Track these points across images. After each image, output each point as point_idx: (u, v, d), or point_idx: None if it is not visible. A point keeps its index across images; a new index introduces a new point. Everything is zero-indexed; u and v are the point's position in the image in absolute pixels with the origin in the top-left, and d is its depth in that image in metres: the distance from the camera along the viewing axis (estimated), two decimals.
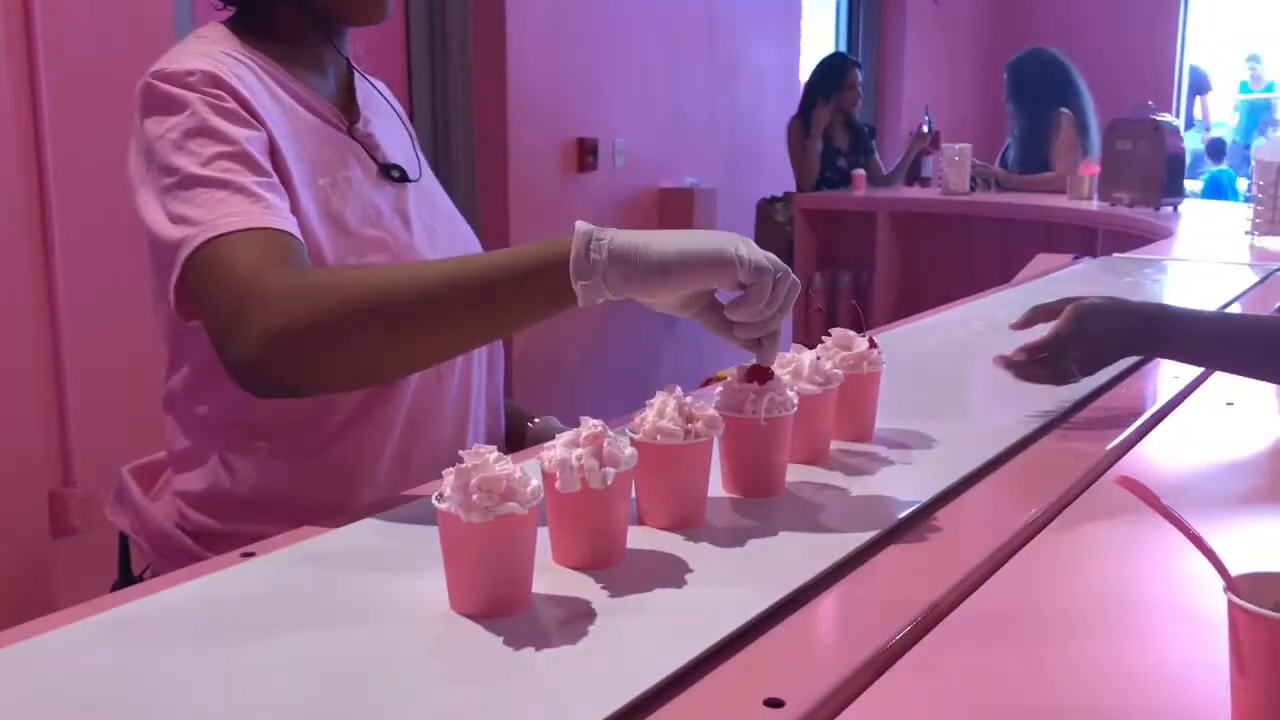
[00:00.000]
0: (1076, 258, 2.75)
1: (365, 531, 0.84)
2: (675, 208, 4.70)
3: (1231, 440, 1.13)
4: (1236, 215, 3.58)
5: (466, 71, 3.97)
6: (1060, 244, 3.88)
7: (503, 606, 0.70)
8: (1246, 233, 2.76)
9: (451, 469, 0.69)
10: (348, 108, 1.11)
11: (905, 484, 0.92)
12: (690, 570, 0.76)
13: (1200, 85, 8.34)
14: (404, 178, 1.10)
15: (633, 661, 0.63)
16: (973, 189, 4.27)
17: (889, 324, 1.67)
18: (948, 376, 1.38)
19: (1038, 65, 4.48)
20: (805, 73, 4.92)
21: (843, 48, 6.04)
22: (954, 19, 6.67)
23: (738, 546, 0.80)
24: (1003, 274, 4.35)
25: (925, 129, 4.79)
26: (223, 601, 0.73)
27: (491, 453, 0.70)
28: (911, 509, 0.86)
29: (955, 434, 1.06)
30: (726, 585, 0.74)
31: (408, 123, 1.21)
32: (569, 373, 4.43)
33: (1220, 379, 1.26)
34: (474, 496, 0.68)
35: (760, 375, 0.89)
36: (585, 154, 4.33)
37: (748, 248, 0.82)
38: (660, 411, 0.82)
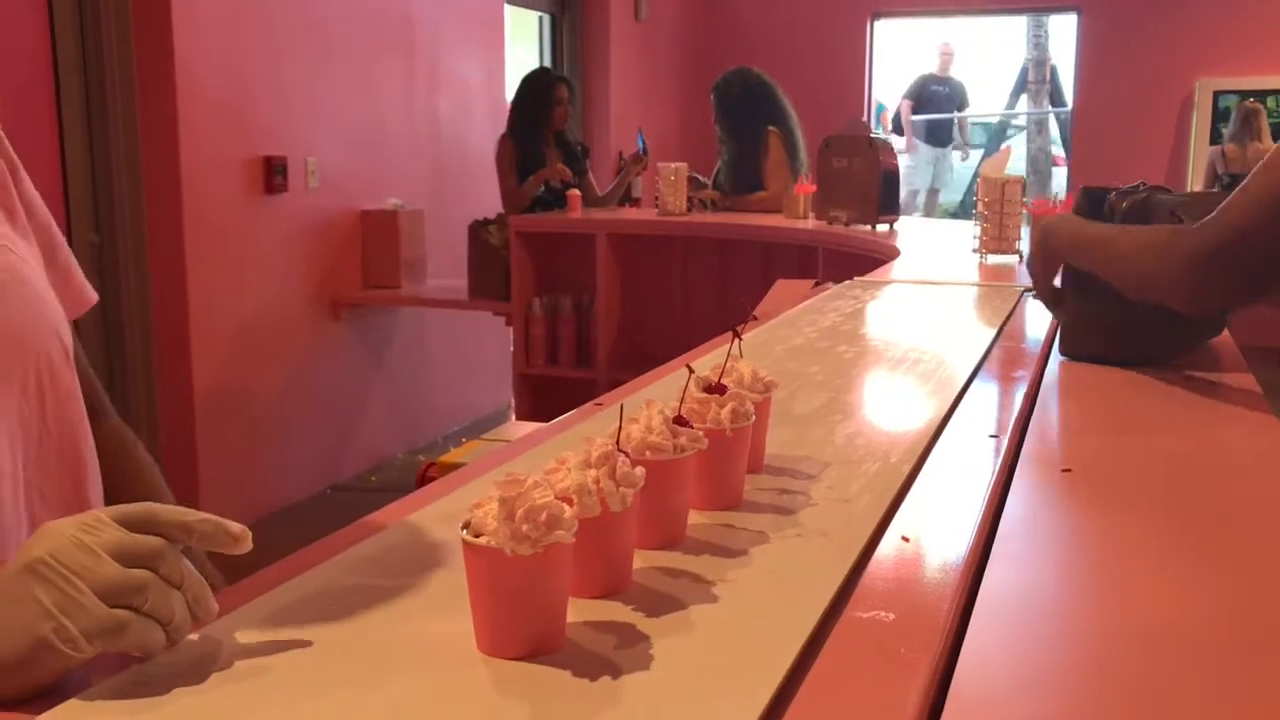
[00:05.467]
0: (818, 284, 2.77)
1: (330, 576, 0.79)
2: (379, 231, 4.62)
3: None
4: (951, 233, 3.97)
5: (127, 81, 3.72)
6: (779, 265, 4.15)
7: (546, 644, 0.68)
8: (974, 251, 3.01)
9: (491, 499, 0.67)
10: None
11: (854, 482, 0.98)
12: (712, 582, 0.77)
13: (958, 100, 9.07)
14: None
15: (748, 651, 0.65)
16: (689, 210, 4.49)
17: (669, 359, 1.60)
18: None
19: (742, 86, 4.77)
20: (512, 92, 4.98)
21: (548, 66, 6.19)
22: (656, 37, 6.99)
23: (740, 554, 0.82)
24: (721, 296, 4.63)
25: (640, 150, 4.99)
26: (206, 668, 0.66)
27: (526, 477, 0.69)
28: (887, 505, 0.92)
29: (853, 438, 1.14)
30: (763, 589, 0.76)
31: None
32: (261, 434, 4.24)
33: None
34: (523, 527, 0.66)
35: (720, 388, 0.92)
36: (273, 174, 4.17)
37: (77, 611, 0.62)
38: (648, 425, 0.83)
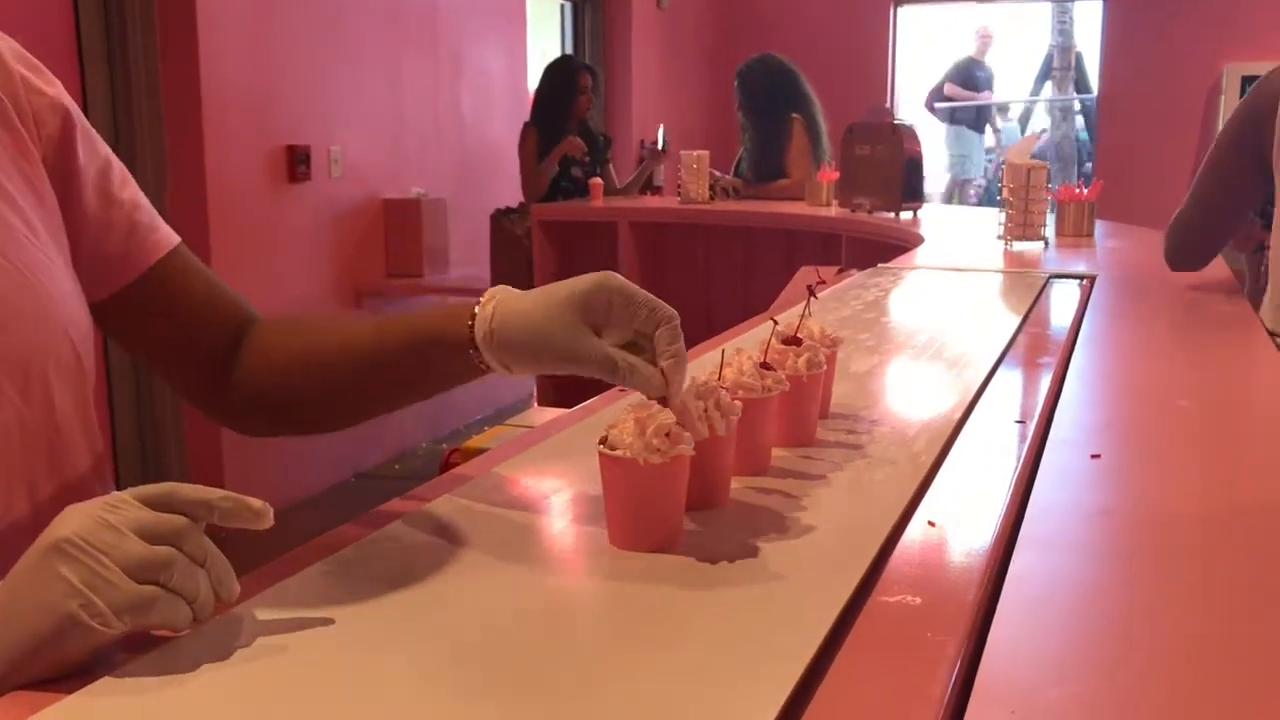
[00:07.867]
0: (841, 270, 2.83)
1: (464, 502, 0.96)
2: (401, 220, 4.79)
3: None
4: (975, 219, 4.13)
5: (151, 70, 3.89)
6: (802, 252, 4.30)
7: (670, 540, 0.85)
8: (998, 237, 3.13)
9: (627, 419, 0.85)
10: None
11: (912, 426, 1.15)
12: (799, 497, 0.95)
13: (975, 82, 9.18)
14: None
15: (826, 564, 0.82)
16: (712, 198, 4.66)
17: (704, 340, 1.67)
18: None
19: (765, 73, 4.91)
20: (534, 82, 5.17)
21: (571, 54, 6.38)
22: (678, 27, 7.18)
23: (820, 479, 1.00)
24: (745, 284, 4.79)
25: (660, 145, 5.15)
26: (388, 557, 0.84)
27: (653, 403, 0.86)
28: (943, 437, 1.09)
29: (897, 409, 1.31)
30: (843, 502, 0.93)
31: None
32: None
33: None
34: (653, 441, 0.83)
35: (796, 340, 1.09)
36: (296, 163, 4.33)
37: (105, 587, 0.65)
38: (740, 369, 1.00)
